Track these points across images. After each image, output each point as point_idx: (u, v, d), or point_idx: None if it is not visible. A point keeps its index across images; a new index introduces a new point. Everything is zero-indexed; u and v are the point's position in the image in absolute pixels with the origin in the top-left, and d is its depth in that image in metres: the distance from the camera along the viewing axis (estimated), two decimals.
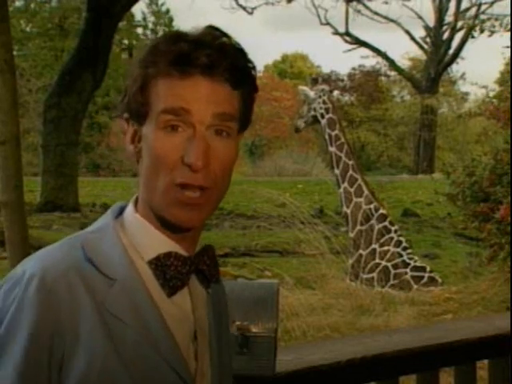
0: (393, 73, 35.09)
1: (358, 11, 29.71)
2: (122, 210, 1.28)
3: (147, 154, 1.21)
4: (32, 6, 30.86)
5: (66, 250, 1.21)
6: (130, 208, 1.27)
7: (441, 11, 31.64)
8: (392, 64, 33.33)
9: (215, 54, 1.20)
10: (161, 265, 1.21)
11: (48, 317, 1.14)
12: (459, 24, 30.59)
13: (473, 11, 29.55)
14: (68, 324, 1.14)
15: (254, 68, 1.26)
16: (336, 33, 30.92)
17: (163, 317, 1.20)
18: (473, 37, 29.32)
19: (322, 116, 9.97)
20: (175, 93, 1.19)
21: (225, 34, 1.23)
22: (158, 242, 1.23)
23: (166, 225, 1.22)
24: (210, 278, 1.28)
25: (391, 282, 9.08)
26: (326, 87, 10.34)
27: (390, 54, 32.80)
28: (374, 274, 9.20)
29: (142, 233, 1.23)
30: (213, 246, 1.29)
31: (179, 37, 1.22)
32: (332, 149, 9.85)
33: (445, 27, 32.00)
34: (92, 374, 1.14)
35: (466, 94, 36.39)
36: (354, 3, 29.15)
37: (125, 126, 1.26)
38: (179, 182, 1.18)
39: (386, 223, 9.47)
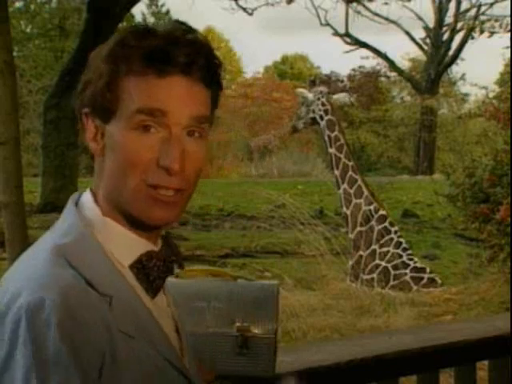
0: (393, 74, 35.07)
1: (358, 12, 29.70)
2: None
3: (115, 154, 1.16)
4: (32, 6, 30.87)
5: (57, 266, 1.10)
6: (91, 207, 1.20)
7: (441, 12, 31.64)
8: (392, 65, 33.32)
9: (193, 52, 1.16)
10: (142, 267, 1.17)
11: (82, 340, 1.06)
12: (459, 25, 30.58)
13: (472, 12, 29.55)
14: (100, 345, 1.07)
15: (221, 65, 1.22)
16: (336, 34, 30.91)
17: (159, 322, 1.18)
18: (472, 38, 29.34)
19: (321, 118, 9.98)
20: (151, 93, 1.15)
21: (194, 29, 1.19)
22: (133, 244, 1.18)
23: (136, 223, 1.18)
24: (180, 266, 1.25)
25: (391, 282, 9.08)
26: (324, 89, 10.35)
27: (390, 55, 32.79)
28: (374, 275, 9.20)
29: (116, 236, 1.18)
30: (170, 233, 1.26)
31: (148, 31, 1.17)
32: (331, 150, 9.86)
33: (445, 28, 31.99)
34: None
35: (466, 94, 36.37)
36: (354, 4, 29.14)
37: (84, 120, 1.20)
38: (152, 184, 1.15)
39: (386, 224, 9.47)
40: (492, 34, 24.86)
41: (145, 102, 1.14)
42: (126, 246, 1.18)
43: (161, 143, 1.15)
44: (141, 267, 1.18)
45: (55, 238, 1.16)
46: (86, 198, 1.21)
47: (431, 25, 31.97)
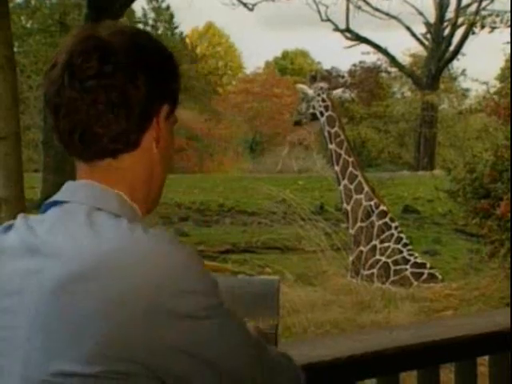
0: (393, 69, 35.04)
1: (359, 7, 29.70)
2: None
3: (168, 152, 1.23)
4: (32, 2, 30.83)
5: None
6: (133, 206, 1.22)
7: (441, 7, 31.59)
8: (393, 60, 33.30)
9: None
10: None
11: None
12: (460, 20, 30.55)
13: (473, 7, 29.52)
14: None
15: None
16: (337, 29, 30.88)
17: None
18: (473, 33, 29.29)
19: (322, 114, 9.98)
20: None
21: None
22: None
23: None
24: None
25: (391, 278, 9.08)
26: (324, 85, 10.35)
27: (391, 51, 32.80)
28: (375, 271, 9.21)
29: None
30: None
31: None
32: (332, 146, 9.86)
33: (445, 23, 31.96)
34: None
35: (467, 90, 36.30)
36: None
37: (156, 115, 1.20)
38: None
39: (387, 220, 9.48)
40: (493, 29, 24.81)
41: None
42: None
43: None
44: None
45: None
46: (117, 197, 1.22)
47: (432, 20, 31.95)
